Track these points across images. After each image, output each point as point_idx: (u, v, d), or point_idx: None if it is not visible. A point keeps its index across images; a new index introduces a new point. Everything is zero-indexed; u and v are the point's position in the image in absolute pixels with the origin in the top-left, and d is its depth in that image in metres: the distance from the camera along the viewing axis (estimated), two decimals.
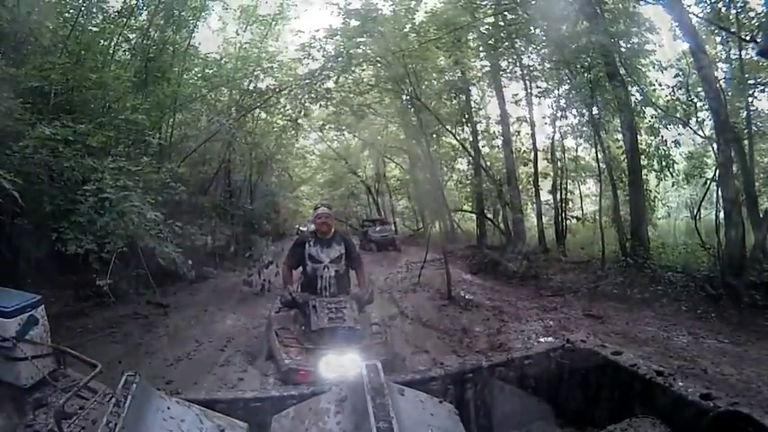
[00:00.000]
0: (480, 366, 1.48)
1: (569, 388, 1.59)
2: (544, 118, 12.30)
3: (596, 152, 10.92)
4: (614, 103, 9.96)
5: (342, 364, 2.91)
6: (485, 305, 7.54)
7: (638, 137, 10.22)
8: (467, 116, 13.63)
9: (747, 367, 4.48)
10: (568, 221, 12.33)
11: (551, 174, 12.24)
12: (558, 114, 11.66)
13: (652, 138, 10.33)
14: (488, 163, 13.83)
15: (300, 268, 3.86)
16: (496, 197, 13.06)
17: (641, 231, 9.79)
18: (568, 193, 12.48)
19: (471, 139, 13.89)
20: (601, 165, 10.88)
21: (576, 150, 12.07)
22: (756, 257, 7.26)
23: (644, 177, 10.54)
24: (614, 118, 10.60)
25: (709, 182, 8.79)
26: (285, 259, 4.00)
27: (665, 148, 10.08)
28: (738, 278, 6.93)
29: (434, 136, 14.86)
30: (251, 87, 12.20)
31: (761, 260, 7.11)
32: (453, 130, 13.76)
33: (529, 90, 12.26)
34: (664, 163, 10.14)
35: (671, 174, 10.21)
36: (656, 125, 10.18)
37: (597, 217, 11.24)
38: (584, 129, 11.23)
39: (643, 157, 10.24)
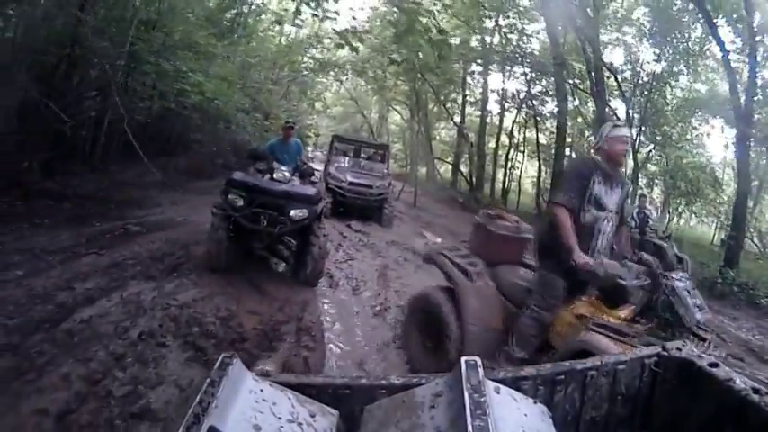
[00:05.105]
0: (573, 369, 1.38)
1: (660, 398, 1.47)
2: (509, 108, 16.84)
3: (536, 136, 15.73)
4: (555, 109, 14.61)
5: None
6: (429, 210, 12.97)
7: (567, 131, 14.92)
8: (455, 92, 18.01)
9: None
10: (513, 182, 17.35)
11: (507, 146, 16.98)
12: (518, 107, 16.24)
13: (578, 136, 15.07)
14: (467, 129, 18.37)
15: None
16: (468, 157, 17.78)
17: None
18: (516, 162, 17.30)
19: (461, 107, 18.32)
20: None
21: (524, 132, 16.67)
22: None
23: None
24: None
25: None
26: (563, 195, 2.39)
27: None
28: None
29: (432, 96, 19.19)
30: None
31: None
32: (444, 99, 18.19)
33: (503, 90, 16.71)
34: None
35: None
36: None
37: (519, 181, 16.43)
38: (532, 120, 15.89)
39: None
